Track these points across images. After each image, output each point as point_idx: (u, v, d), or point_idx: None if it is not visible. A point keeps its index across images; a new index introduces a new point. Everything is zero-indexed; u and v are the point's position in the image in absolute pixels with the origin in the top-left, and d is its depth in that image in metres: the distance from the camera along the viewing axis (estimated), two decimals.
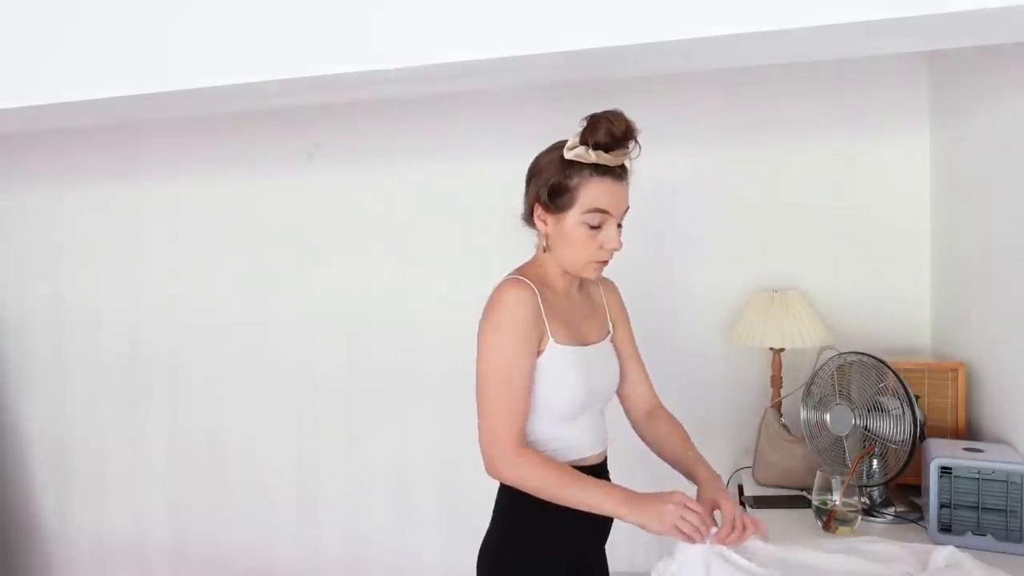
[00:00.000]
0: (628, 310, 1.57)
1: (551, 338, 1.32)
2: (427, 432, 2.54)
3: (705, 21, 1.27)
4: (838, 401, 1.75)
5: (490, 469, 1.29)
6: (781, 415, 2.01)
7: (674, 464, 1.43)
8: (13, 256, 2.99)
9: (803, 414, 1.83)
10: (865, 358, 1.72)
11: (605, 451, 1.46)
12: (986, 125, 1.78)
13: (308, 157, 2.62)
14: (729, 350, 2.24)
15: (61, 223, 2.92)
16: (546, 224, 1.36)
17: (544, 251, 1.38)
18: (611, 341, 1.48)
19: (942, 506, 1.51)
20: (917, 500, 1.71)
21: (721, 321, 2.26)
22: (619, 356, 1.50)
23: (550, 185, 1.33)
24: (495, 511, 1.42)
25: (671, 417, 1.51)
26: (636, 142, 1.31)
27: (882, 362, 1.69)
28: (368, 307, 2.59)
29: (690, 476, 1.38)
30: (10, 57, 1.68)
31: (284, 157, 2.64)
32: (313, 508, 2.66)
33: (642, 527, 1.20)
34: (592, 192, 1.30)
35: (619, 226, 1.35)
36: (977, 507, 1.48)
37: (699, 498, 1.30)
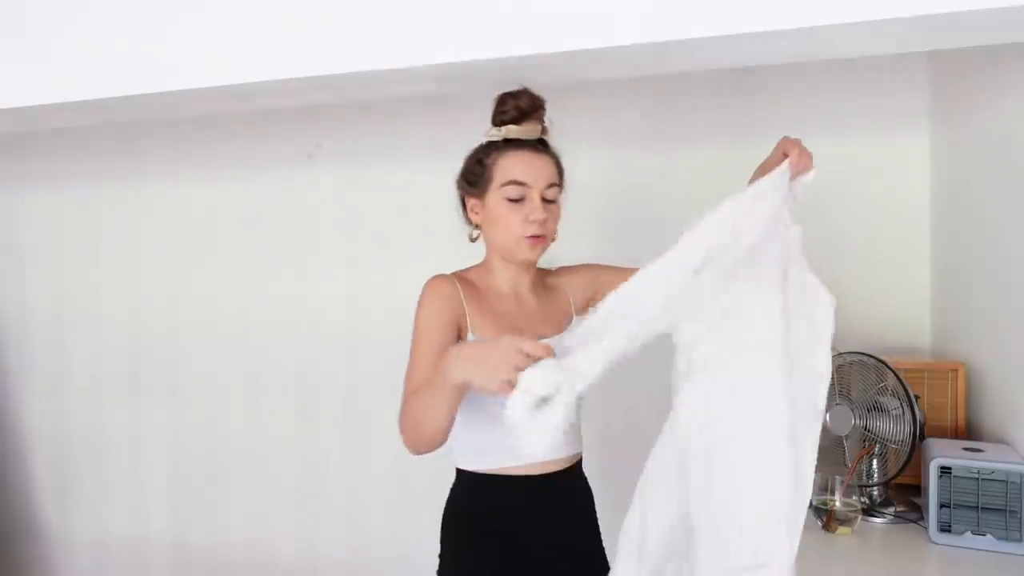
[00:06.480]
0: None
1: (470, 331, 1.31)
2: None
3: (703, 21, 1.27)
4: (838, 401, 1.75)
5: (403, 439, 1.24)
6: None
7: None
8: (13, 256, 2.99)
9: None
10: (865, 358, 1.72)
11: (573, 456, 1.39)
12: (986, 125, 1.78)
13: (308, 157, 2.62)
14: None
15: (61, 223, 2.92)
16: (477, 213, 1.38)
17: (485, 241, 1.39)
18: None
19: (942, 506, 1.51)
20: (917, 500, 1.71)
21: None
22: (603, 283, 1.40)
23: (468, 170, 1.38)
24: (441, 526, 1.46)
25: None
26: (543, 111, 1.35)
27: (882, 362, 1.69)
28: (368, 306, 2.59)
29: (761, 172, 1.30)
30: (10, 57, 1.68)
31: (284, 157, 2.64)
32: (313, 508, 2.66)
33: (472, 385, 1.08)
34: (507, 166, 1.32)
35: (549, 202, 1.33)
36: (977, 507, 1.48)
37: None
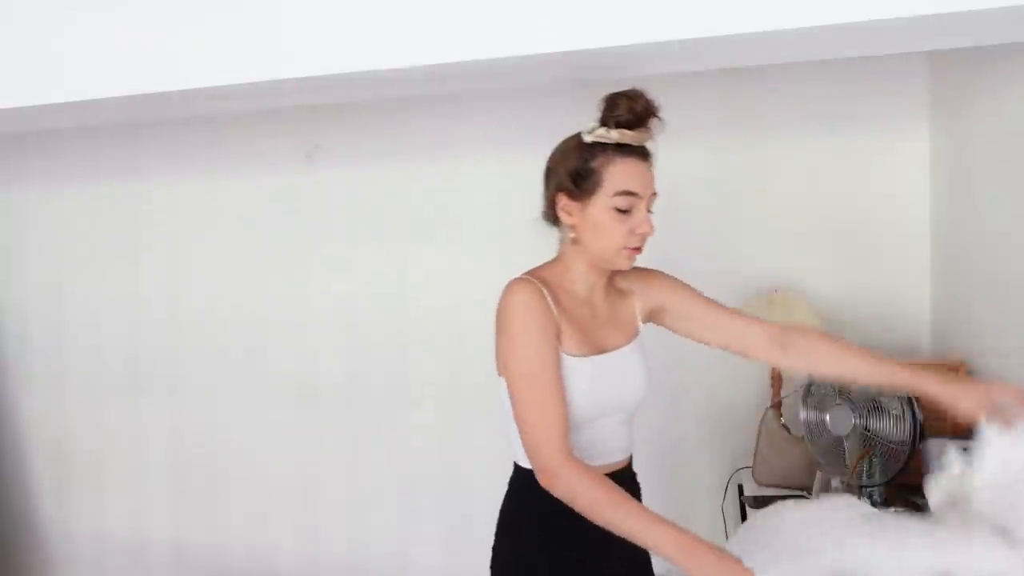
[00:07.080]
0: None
1: (562, 349, 1.26)
2: (427, 432, 2.54)
3: (705, 21, 1.27)
4: (838, 401, 1.74)
5: (541, 478, 1.21)
6: (781, 415, 2.01)
7: (869, 380, 1.35)
8: (13, 256, 2.99)
9: (803, 414, 1.83)
10: None
11: (625, 460, 1.39)
12: (986, 125, 1.79)
13: (308, 157, 2.62)
14: None
15: (61, 223, 2.92)
16: (571, 215, 1.29)
17: (573, 243, 1.31)
18: (641, 343, 1.40)
19: None
20: (917, 500, 1.70)
21: None
22: (697, 321, 1.42)
23: (573, 170, 1.27)
24: (499, 522, 1.38)
25: (823, 335, 1.39)
26: (659, 119, 1.26)
27: None
28: (369, 307, 2.59)
29: (908, 389, 1.32)
30: (10, 57, 1.68)
31: (284, 158, 2.64)
32: (313, 508, 2.66)
33: None
34: (618, 174, 1.24)
35: (649, 211, 1.29)
36: None
37: (951, 407, 1.29)
